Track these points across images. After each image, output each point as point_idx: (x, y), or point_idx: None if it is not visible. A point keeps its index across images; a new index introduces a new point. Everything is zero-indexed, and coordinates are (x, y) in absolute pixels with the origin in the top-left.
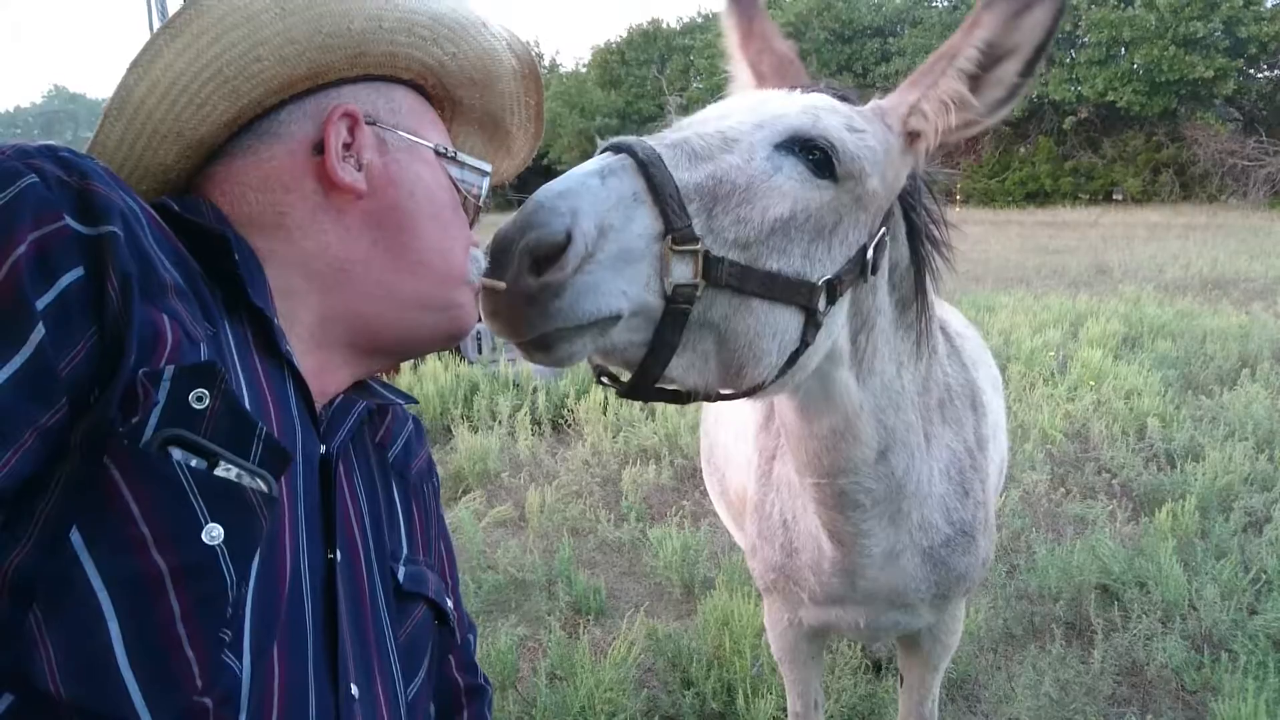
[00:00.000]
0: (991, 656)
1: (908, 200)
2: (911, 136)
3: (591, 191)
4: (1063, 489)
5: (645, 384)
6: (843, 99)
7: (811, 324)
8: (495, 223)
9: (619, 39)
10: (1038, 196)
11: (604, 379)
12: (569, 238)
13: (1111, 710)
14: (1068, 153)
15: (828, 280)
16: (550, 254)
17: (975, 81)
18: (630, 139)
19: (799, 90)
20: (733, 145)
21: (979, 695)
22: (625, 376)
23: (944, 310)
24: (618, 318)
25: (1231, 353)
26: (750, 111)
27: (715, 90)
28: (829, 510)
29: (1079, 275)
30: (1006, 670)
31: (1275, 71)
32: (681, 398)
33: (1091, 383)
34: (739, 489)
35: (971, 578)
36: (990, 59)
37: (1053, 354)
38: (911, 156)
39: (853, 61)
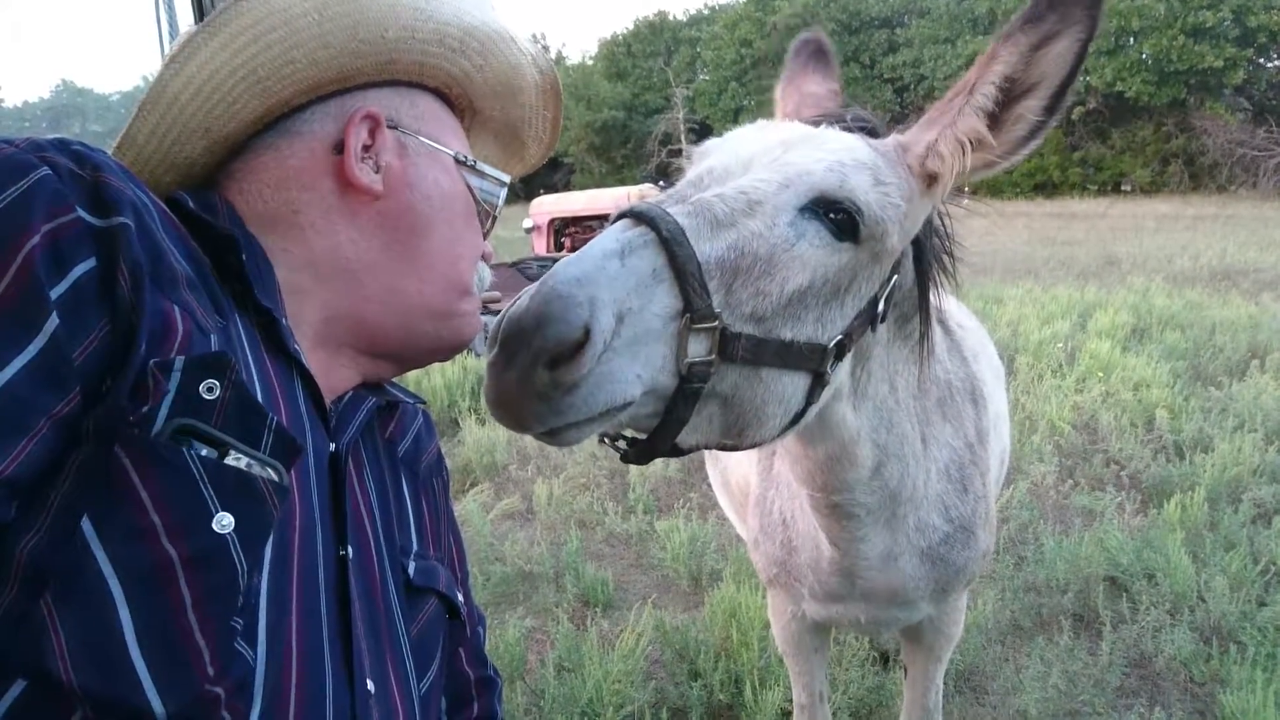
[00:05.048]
0: (999, 648)
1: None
2: (929, 179)
3: (610, 276)
4: (1071, 480)
5: (652, 453)
6: (867, 130)
7: (819, 385)
8: (506, 215)
9: (625, 31)
10: (1046, 188)
11: (605, 438)
12: (587, 333)
13: (1119, 702)
14: (1076, 143)
15: (838, 341)
16: (567, 352)
17: (995, 119)
18: (653, 209)
19: (824, 123)
20: (755, 209)
21: (987, 687)
22: (630, 434)
23: (944, 301)
24: (630, 404)
25: (1241, 344)
26: (774, 166)
27: (721, 83)
28: (824, 518)
29: (1087, 266)
30: (1014, 662)
31: None
32: (681, 452)
33: (1100, 374)
34: (740, 481)
35: (972, 570)
36: (1010, 95)
37: (1060, 346)
38: (929, 199)
39: (860, 53)
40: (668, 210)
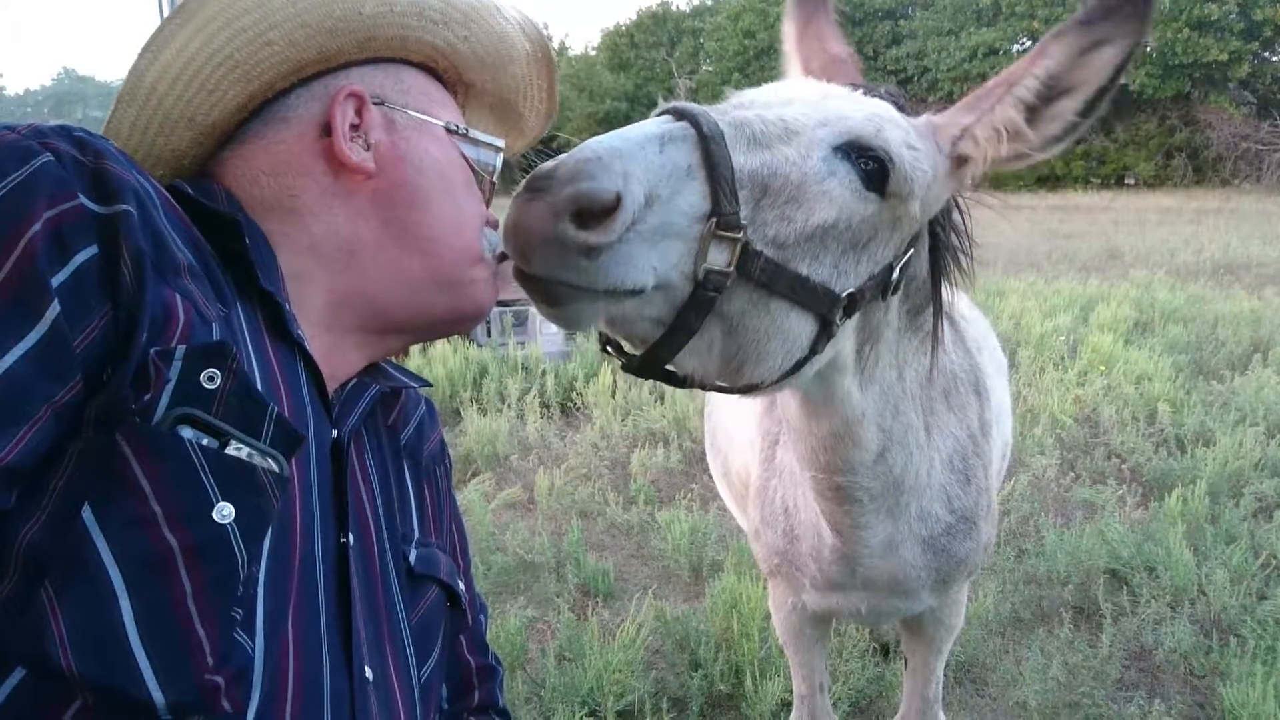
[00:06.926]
0: (999, 640)
1: (937, 218)
2: (958, 161)
3: (647, 158)
4: (1072, 473)
5: (653, 365)
6: (897, 106)
7: (824, 335)
8: (507, 207)
9: (628, 22)
10: (1049, 180)
11: (609, 349)
12: (618, 201)
13: (1119, 694)
14: (1079, 136)
15: (850, 294)
16: (594, 210)
17: (1033, 113)
18: (696, 107)
19: (860, 90)
20: (792, 138)
21: (987, 679)
22: (630, 349)
23: (955, 298)
24: (640, 292)
25: (1243, 338)
26: (813, 106)
27: (725, 74)
28: (827, 503)
29: (1090, 260)
30: (1014, 654)
31: None
32: (678, 380)
33: (1102, 367)
34: (741, 471)
35: (973, 562)
36: (1051, 92)
37: (1062, 339)
38: (954, 181)
39: (864, 44)
40: (710, 112)
